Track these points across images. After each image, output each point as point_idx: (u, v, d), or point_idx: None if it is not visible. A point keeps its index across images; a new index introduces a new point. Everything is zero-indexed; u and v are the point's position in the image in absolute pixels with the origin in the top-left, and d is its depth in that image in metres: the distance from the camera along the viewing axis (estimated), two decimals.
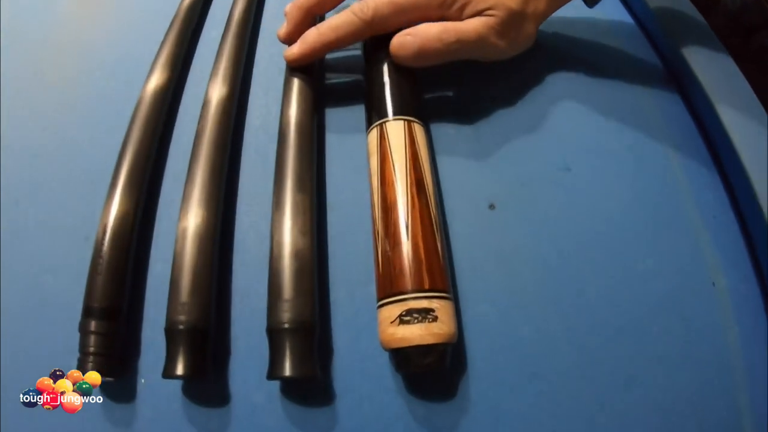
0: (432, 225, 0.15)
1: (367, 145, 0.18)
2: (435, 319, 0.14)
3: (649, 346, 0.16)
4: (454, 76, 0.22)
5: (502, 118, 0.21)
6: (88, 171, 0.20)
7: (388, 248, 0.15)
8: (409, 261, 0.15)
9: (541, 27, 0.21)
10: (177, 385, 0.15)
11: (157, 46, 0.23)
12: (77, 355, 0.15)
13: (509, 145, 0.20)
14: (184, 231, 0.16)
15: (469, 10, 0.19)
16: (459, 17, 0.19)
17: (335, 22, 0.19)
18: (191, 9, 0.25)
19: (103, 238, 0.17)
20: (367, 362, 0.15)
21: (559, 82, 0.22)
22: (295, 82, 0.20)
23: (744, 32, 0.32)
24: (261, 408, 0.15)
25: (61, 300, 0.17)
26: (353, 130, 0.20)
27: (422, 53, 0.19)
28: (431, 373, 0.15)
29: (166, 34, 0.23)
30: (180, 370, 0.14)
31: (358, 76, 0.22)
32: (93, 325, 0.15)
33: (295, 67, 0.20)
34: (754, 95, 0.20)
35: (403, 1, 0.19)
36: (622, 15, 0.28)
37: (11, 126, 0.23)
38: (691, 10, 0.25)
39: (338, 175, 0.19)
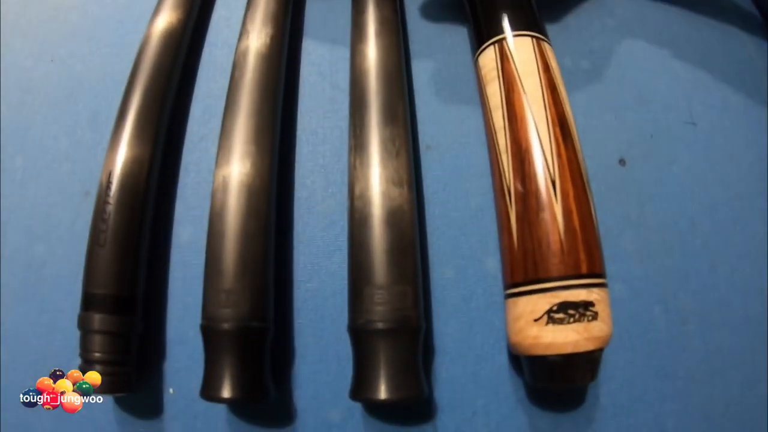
0: (584, 182, 0.11)
1: (477, 68, 0.13)
2: (594, 316, 0.10)
3: None
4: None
5: (625, 60, 0.16)
6: (91, 110, 0.16)
7: (527, 213, 0.11)
8: (561, 233, 0.10)
9: None
10: None
11: None
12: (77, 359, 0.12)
13: (635, 91, 0.16)
14: (225, 182, 0.12)
15: None
16: None
17: None
18: None
19: (106, 193, 0.12)
20: (481, 365, 0.12)
21: (678, 29, 0.17)
22: None
23: None
24: (337, 428, 0.12)
25: (60, 281, 0.14)
26: (449, 50, 0.15)
27: None
28: (576, 385, 0.12)
29: None
30: (227, 391, 0.10)
31: None
32: (97, 320, 0.11)
33: None
34: None
35: None
36: None
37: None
38: None
39: (433, 108, 0.15)
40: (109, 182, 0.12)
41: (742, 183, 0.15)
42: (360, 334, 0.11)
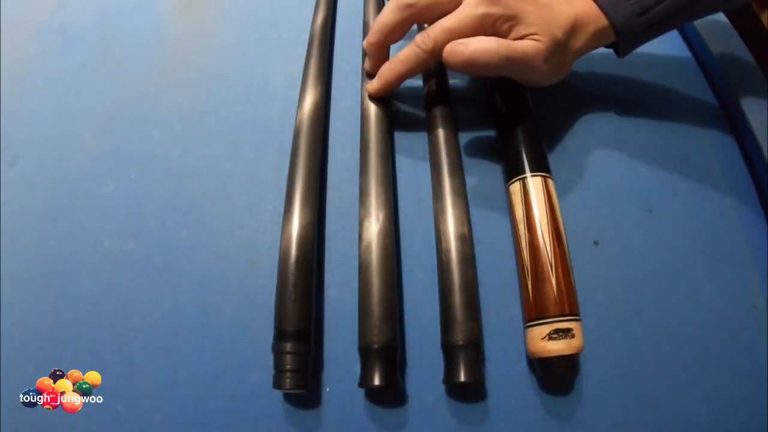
0: (568, 264, 0.23)
1: (509, 195, 0.25)
2: (573, 336, 0.22)
3: (698, 357, 0.24)
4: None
5: (602, 167, 0.28)
6: (245, 201, 0.26)
7: (538, 282, 0.23)
8: (554, 293, 0.22)
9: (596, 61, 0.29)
10: (357, 391, 0.22)
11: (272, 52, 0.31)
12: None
13: (607, 189, 0.28)
14: (368, 245, 0.23)
15: (516, 33, 0.25)
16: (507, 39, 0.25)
17: (402, 56, 0.27)
18: (325, 27, 0.31)
19: (287, 261, 0.22)
20: (513, 367, 0.23)
21: (643, 137, 0.30)
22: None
23: None
24: (431, 406, 0.23)
25: (235, 324, 0.23)
26: (491, 173, 0.27)
27: (472, 62, 0.24)
28: (566, 375, 0.23)
29: (309, 52, 0.30)
30: (377, 380, 0.21)
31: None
32: (288, 346, 0.21)
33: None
34: None
35: (457, 28, 0.25)
36: (681, 50, 0.35)
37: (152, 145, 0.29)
38: (748, 55, 0.33)
39: (483, 215, 0.26)
40: (288, 254, 0.22)
41: (689, 256, 0.26)
42: (449, 348, 0.22)
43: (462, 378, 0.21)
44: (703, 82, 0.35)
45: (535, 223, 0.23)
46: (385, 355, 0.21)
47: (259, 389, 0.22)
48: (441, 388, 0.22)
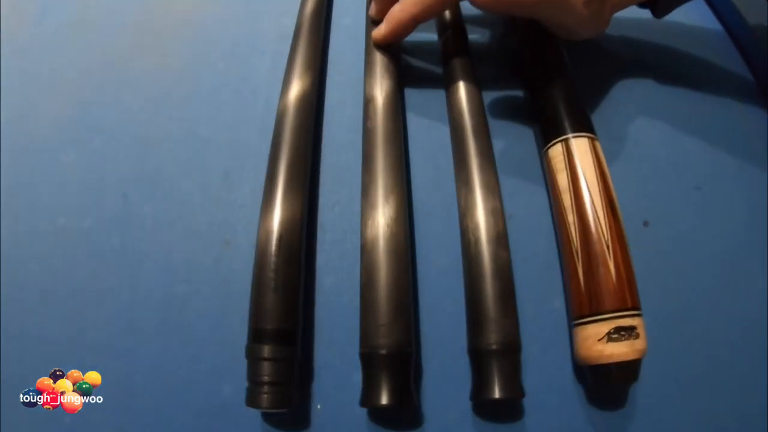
0: (626, 245, 0.17)
1: (548, 161, 0.19)
2: (637, 336, 0.16)
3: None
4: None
5: (644, 140, 0.22)
6: (222, 170, 0.20)
7: (591, 267, 0.16)
8: (614, 280, 0.16)
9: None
10: (357, 410, 0.15)
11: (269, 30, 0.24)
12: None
13: (653, 165, 0.22)
14: (374, 234, 0.16)
15: None
16: None
17: None
18: (316, 14, 0.24)
19: (267, 247, 0.16)
20: (555, 376, 0.17)
21: (685, 109, 0.23)
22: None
23: None
24: (454, 428, 0.16)
25: (204, 318, 0.17)
26: (520, 138, 0.21)
27: None
28: (622, 386, 0.17)
29: (296, 39, 0.22)
30: (384, 398, 0.14)
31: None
32: (266, 350, 0.15)
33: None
34: None
35: None
36: (713, 23, 0.30)
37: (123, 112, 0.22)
38: None
39: (513, 186, 0.20)
40: (268, 239, 0.16)
41: (740, 236, 0.21)
42: (479, 354, 0.16)
43: (497, 394, 0.15)
44: (737, 55, 0.30)
45: (584, 194, 0.17)
46: (395, 363, 0.15)
47: (232, 404, 0.16)
48: (467, 406, 0.16)
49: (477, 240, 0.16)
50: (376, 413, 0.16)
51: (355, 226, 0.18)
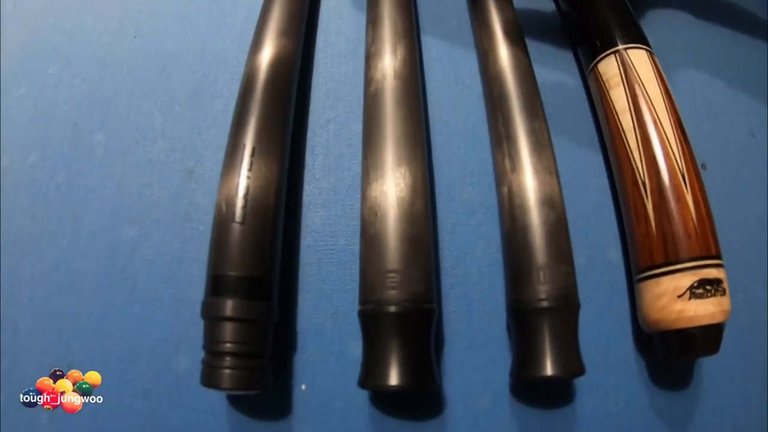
0: (700, 175, 0.11)
1: (597, 78, 0.13)
2: (723, 292, 0.10)
3: None
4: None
5: (694, 77, 0.16)
6: (190, 88, 0.13)
7: (664, 202, 0.10)
8: (694, 221, 0.10)
9: None
10: (355, 392, 0.09)
11: None
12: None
13: (706, 106, 0.15)
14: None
15: None
16: None
17: None
18: None
19: (244, 162, 0.09)
20: (612, 347, 0.11)
21: (731, 52, 0.17)
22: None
23: None
24: (485, 415, 0.10)
25: (158, 267, 0.11)
26: (557, 57, 0.14)
27: None
28: (697, 357, 0.11)
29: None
30: (393, 378, 0.08)
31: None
32: (229, 306, 0.09)
33: None
34: None
35: None
36: None
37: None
38: None
39: (550, 107, 0.13)
40: (240, 150, 0.09)
41: None
42: (525, 314, 0.10)
43: (549, 370, 0.09)
44: None
45: (650, 111, 0.11)
46: (409, 325, 0.09)
47: (189, 380, 0.10)
48: (502, 386, 0.10)
49: (515, 166, 0.10)
50: (381, 397, 0.10)
51: (354, 148, 0.12)
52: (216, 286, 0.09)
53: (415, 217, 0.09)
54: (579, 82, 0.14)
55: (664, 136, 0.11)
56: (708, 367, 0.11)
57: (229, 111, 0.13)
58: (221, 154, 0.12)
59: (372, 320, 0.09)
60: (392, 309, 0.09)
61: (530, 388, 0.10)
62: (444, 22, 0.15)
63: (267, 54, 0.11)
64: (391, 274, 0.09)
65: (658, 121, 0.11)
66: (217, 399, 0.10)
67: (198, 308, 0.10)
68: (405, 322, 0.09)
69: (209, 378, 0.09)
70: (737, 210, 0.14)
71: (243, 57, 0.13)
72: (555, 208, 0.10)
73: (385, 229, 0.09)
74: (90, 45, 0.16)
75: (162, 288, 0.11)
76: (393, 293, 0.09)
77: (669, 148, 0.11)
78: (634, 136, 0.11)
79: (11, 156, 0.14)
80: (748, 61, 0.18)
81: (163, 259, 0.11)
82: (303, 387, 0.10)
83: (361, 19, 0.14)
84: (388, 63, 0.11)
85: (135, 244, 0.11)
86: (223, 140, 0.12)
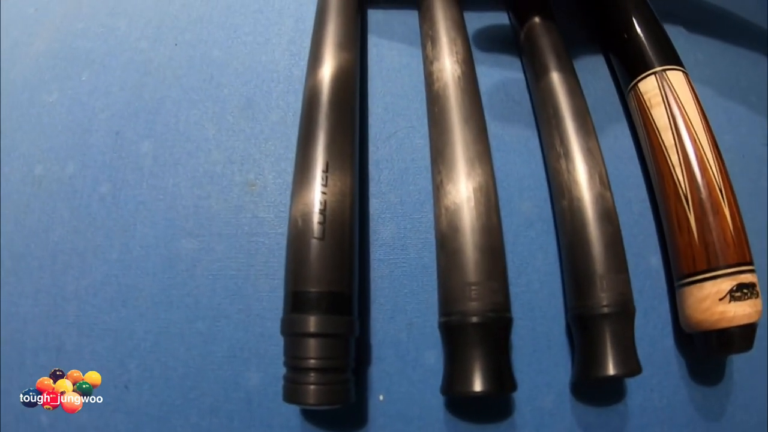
0: (734, 190, 0.12)
1: (638, 96, 0.13)
2: (757, 294, 0.11)
3: None
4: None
5: (716, 87, 0.17)
6: (244, 97, 0.13)
7: (705, 215, 0.11)
8: (731, 231, 0.11)
9: None
10: (431, 400, 0.10)
11: None
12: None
13: (726, 116, 0.16)
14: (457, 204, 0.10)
15: None
16: None
17: None
18: None
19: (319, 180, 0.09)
20: (655, 347, 0.12)
21: (747, 68, 0.18)
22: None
23: None
24: (550, 414, 0.11)
25: (222, 281, 0.10)
26: (595, 74, 0.15)
27: None
28: (732, 354, 0.12)
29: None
30: (479, 384, 0.09)
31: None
32: (313, 322, 0.09)
33: None
34: None
35: None
36: None
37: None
38: None
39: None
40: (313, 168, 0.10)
41: None
42: (588, 319, 0.10)
43: (611, 370, 0.10)
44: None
45: (690, 130, 0.12)
46: (492, 334, 0.09)
47: (261, 396, 0.10)
48: (564, 387, 0.11)
49: (571, 180, 0.11)
50: (459, 403, 0.10)
51: (417, 163, 0.12)
52: (297, 302, 0.09)
53: (492, 230, 0.10)
54: (616, 98, 0.15)
55: (703, 153, 0.12)
56: (738, 363, 0.12)
57: (287, 123, 0.13)
58: (282, 166, 0.12)
59: (455, 331, 0.09)
60: (475, 320, 0.09)
61: (588, 388, 0.11)
62: (492, 39, 0.15)
63: (329, 68, 0.11)
64: (473, 287, 0.09)
65: (697, 139, 0.12)
66: (292, 413, 0.10)
67: (268, 323, 0.10)
68: (487, 332, 0.09)
69: (293, 394, 0.09)
70: (758, 217, 0.15)
71: (295, 69, 0.13)
72: (612, 221, 0.11)
73: (465, 242, 0.09)
74: (126, 51, 0.15)
75: (227, 304, 0.11)
76: (475, 304, 0.09)
77: (708, 165, 0.12)
78: (676, 153, 0.12)
79: (46, 165, 0.13)
80: (763, 75, 0.19)
81: (228, 274, 0.11)
82: (381, 397, 0.10)
83: (412, 33, 0.14)
84: (449, 70, 0.12)
85: (195, 258, 0.11)
86: (284, 152, 0.12)
